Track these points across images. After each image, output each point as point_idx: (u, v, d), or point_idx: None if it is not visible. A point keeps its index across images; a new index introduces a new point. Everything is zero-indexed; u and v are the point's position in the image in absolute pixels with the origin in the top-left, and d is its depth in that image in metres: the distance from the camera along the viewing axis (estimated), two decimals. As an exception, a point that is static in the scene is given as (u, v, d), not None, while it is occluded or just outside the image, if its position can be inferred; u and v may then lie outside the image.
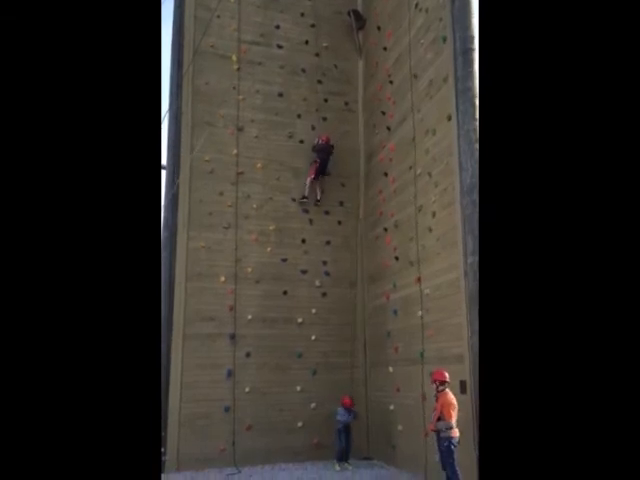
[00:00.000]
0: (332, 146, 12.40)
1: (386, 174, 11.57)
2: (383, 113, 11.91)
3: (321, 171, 12.21)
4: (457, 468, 7.34)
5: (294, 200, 12.24)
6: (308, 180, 12.15)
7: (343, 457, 10.28)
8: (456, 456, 7.37)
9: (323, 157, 12.21)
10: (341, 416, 10.31)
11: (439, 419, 7.57)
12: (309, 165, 12.29)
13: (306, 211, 12.21)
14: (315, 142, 12.35)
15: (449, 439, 7.42)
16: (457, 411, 7.60)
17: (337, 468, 10.07)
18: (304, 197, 12.15)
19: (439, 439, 7.52)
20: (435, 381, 7.90)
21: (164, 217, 11.72)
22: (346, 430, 10.37)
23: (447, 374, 7.85)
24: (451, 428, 7.45)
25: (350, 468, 10.11)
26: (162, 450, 10.43)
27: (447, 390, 7.75)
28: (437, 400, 7.74)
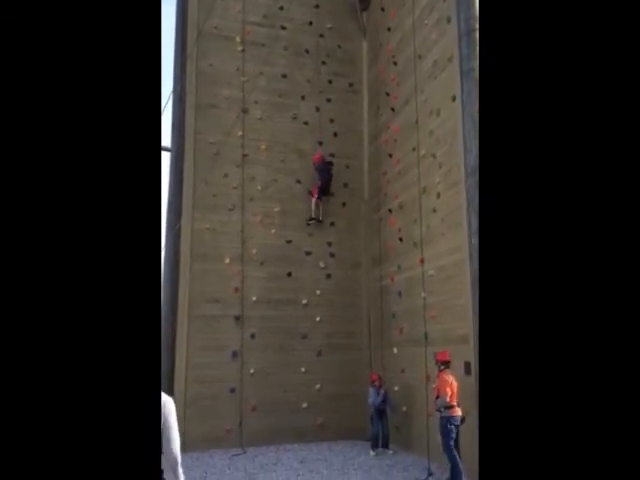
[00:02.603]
0: (330, 163, 12.19)
1: (390, 155, 11.54)
2: (387, 94, 11.84)
3: (323, 192, 12.03)
4: (453, 448, 7.41)
5: (299, 182, 12.23)
6: (313, 201, 12.04)
7: (379, 443, 9.84)
8: (454, 435, 7.45)
9: (324, 177, 12.02)
10: (371, 398, 9.91)
11: (437, 398, 7.71)
12: (312, 186, 12.13)
13: (310, 193, 12.20)
14: (312, 163, 12.21)
15: (447, 418, 7.51)
16: (457, 390, 7.69)
17: (372, 453, 9.69)
18: (312, 219, 12.03)
19: (440, 419, 7.61)
20: (437, 362, 8.05)
21: (168, 199, 11.75)
22: (379, 414, 9.89)
23: (449, 355, 7.97)
24: (450, 407, 7.52)
25: (390, 453, 9.67)
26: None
27: (446, 370, 7.88)
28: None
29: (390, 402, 9.95)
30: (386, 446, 9.82)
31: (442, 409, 7.53)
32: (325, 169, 12.08)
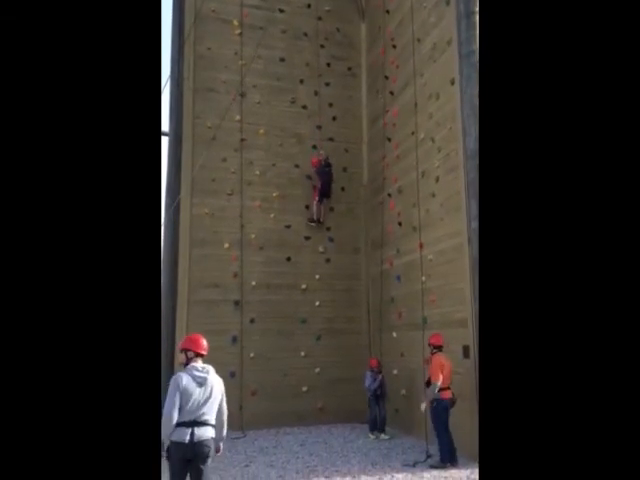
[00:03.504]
0: (328, 165, 12.04)
1: (389, 139, 11.49)
2: (386, 77, 11.77)
3: (323, 194, 11.93)
4: (443, 430, 7.50)
5: (297, 166, 12.19)
6: (314, 204, 11.99)
7: (377, 426, 9.76)
8: (444, 418, 7.54)
9: (324, 180, 11.91)
10: (367, 382, 9.88)
11: (427, 383, 7.79)
12: (312, 188, 12.08)
13: (309, 177, 12.17)
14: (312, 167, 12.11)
15: (437, 400, 7.60)
16: (450, 373, 7.78)
17: (371, 437, 9.68)
18: (313, 220, 12.00)
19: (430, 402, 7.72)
20: (430, 344, 8.14)
21: (167, 183, 11.70)
22: (376, 398, 9.81)
23: (442, 339, 8.09)
24: (440, 390, 7.60)
25: (387, 438, 9.58)
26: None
27: (439, 353, 7.95)
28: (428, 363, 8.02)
29: (384, 389, 9.91)
30: (382, 430, 9.75)
31: (433, 391, 7.61)
32: (324, 172, 11.95)
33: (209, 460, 4.50)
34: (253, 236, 11.62)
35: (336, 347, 11.73)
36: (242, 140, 11.91)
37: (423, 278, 9.76)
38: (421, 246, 9.86)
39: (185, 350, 4.84)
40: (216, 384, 4.67)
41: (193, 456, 4.41)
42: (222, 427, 4.73)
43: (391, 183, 11.35)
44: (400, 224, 10.85)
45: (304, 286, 11.77)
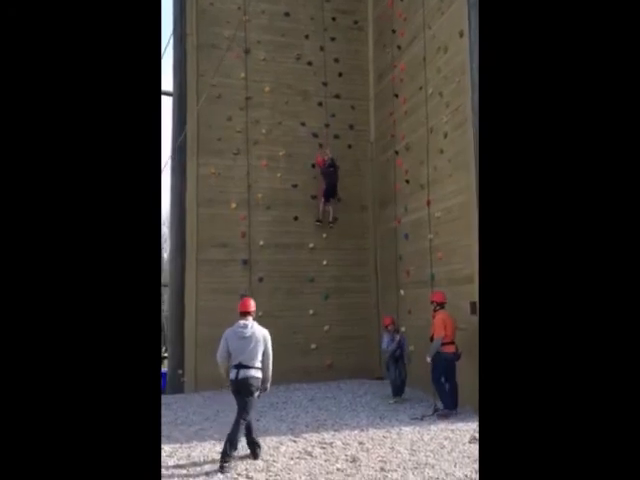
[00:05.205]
0: (333, 165, 11.64)
1: (397, 95, 11.30)
2: (393, 31, 11.50)
3: (330, 194, 11.66)
4: (441, 380, 7.83)
5: (303, 124, 12.04)
6: (320, 204, 11.79)
7: (399, 391, 9.12)
8: (442, 370, 7.84)
9: (328, 181, 11.61)
10: (385, 343, 9.38)
11: (432, 337, 8.04)
12: (318, 190, 11.83)
13: (315, 135, 12.03)
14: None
15: (439, 354, 7.87)
16: (453, 328, 8.03)
17: (390, 401, 8.96)
18: (319, 220, 11.83)
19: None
20: (432, 302, 8.36)
21: (172, 143, 11.64)
22: (394, 361, 9.18)
23: (444, 296, 8.32)
24: (444, 344, 7.87)
25: (403, 401, 8.92)
26: (180, 371, 10.79)
27: (441, 310, 8.18)
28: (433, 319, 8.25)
29: (405, 350, 9.27)
30: (400, 394, 9.12)
31: (436, 345, 7.88)
32: (329, 173, 11.64)
33: (254, 394, 5.84)
34: (260, 195, 11.57)
35: (344, 305, 11.79)
36: (247, 98, 11.75)
37: (431, 236, 9.73)
38: (429, 203, 9.80)
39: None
40: (259, 335, 5.94)
41: (240, 390, 5.82)
42: (267, 369, 6.00)
43: (398, 140, 11.21)
44: (408, 181, 10.75)
45: (311, 245, 11.77)
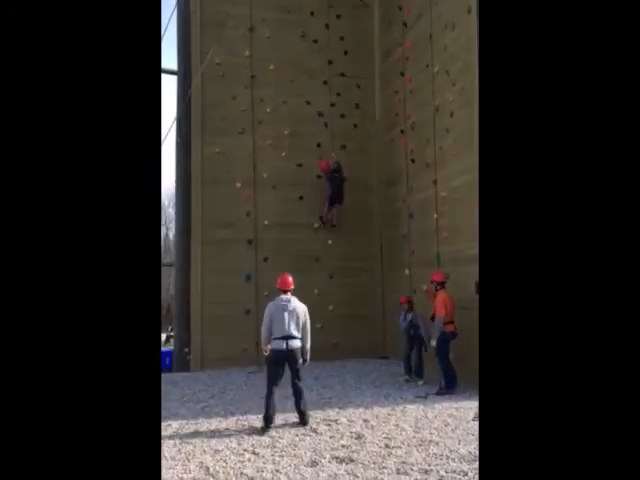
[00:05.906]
0: (337, 171, 11.48)
1: (402, 74, 11.20)
2: (399, 8, 11.36)
3: (335, 200, 11.53)
4: (445, 359, 7.96)
5: (308, 103, 11.96)
6: (324, 208, 11.69)
7: (411, 369, 8.95)
8: (446, 348, 8.02)
9: (334, 187, 11.46)
10: (400, 321, 9.24)
11: (433, 317, 8.20)
12: (324, 192, 11.69)
13: (321, 114, 11.96)
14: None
15: (442, 333, 8.02)
16: (453, 308, 8.14)
17: (401, 379, 8.95)
18: (323, 222, 11.76)
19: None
20: (432, 282, 8.48)
21: (177, 123, 11.60)
22: (410, 340, 9.02)
23: (444, 276, 8.47)
24: (444, 324, 8.00)
25: (421, 384, 8.60)
26: (187, 350, 10.88)
27: (442, 290, 8.30)
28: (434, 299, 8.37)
29: (423, 329, 8.77)
30: (419, 375, 8.83)
31: (438, 324, 8.03)
32: (333, 178, 11.50)
33: (299, 362, 6.45)
34: (265, 175, 11.54)
35: (349, 285, 11.81)
36: (252, 77, 11.67)
37: (436, 215, 9.71)
38: (435, 183, 9.77)
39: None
40: (299, 309, 6.55)
41: (289, 359, 6.39)
42: (307, 341, 6.58)
43: (404, 119, 11.14)
44: (413, 161, 10.71)
45: (316, 225, 11.76)
